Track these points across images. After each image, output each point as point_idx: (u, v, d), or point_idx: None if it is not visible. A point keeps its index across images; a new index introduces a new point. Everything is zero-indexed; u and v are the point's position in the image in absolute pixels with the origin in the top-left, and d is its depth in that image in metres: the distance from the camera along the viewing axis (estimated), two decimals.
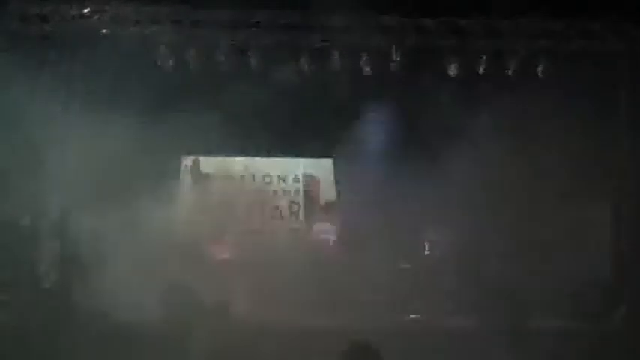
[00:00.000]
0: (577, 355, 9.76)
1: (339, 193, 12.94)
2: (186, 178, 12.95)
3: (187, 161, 13.05)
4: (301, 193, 13.19)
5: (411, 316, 11.26)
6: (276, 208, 13.11)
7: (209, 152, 12.95)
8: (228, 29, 11.96)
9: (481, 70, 12.21)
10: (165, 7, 11.75)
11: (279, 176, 13.25)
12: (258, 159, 13.09)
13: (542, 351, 9.73)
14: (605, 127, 11.92)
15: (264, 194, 13.04)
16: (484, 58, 12.14)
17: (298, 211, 13.11)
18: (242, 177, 13.09)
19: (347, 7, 11.48)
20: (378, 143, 12.34)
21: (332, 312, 10.94)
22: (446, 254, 11.98)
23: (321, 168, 13.24)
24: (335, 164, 13.07)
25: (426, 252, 12.23)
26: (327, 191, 13.13)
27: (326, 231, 12.41)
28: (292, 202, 13.14)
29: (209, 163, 13.09)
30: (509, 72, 12.18)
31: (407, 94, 12.15)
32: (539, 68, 12.16)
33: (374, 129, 12.33)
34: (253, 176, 13.15)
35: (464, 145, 11.64)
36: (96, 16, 11.71)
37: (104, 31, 11.88)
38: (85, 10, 11.69)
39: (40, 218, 11.69)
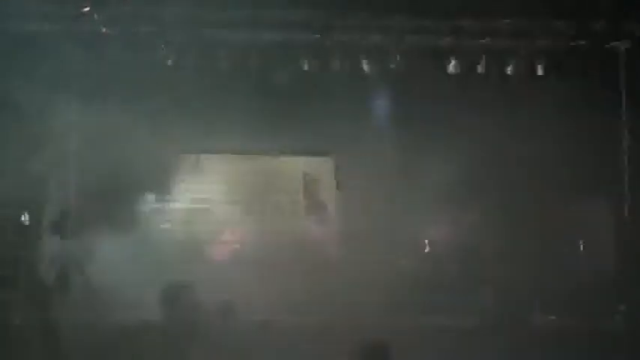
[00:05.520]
0: (577, 354, 9.77)
1: (339, 193, 12.94)
2: (186, 177, 12.94)
3: (188, 160, 13.04)
4: (301, 192, 13.18)
5: (411, 315, 11.27)
6: (277, 206, 13.10)
7: (209, 151, 12.95)
8: (228, 29, 11.96)
9: (481, 70, 12.21)
10: (165, 6, 11.74)
11: (279, 175, 13.24)
12: (258, 158, 13.08)
13: (542, 350, 9.75)
14: (606, 126, 11.93)
15: (264, 193, 13.03)
16: (484, 58, 12.15)
17: (298, 210, 13.10)
18: (242, 176, 13.09)
19: (347, 7, 11.52)
20: (378, 142, 12.34)
21: (331, 310, 10.95)
22: (446, 253, 12.00)
23: (321, 167, 13.23)
24: (335, 164, 13.07)
25: (426, 250, 12.24)
26: (327, 190, 13.13)
27: (326, 230, 12.42)
28: (292, 200, 13.13)
29: (209, 162, 13.09)
30: (509, 72, 12.19)
31: (407, 94, 12.15)
32: (539, 68, 12.17)
33: (374, 128, 12.33)
34: (253, 175, 13.14)
35: (464, 144, 11.65)
36: (95, 16, 11.69)
37: (104, 30, 11.86)
38: (85, 10, 11.67)
39: (39, 217, 11.69)
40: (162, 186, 12.23)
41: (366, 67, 12.22)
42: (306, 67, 12.19)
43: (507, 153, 11.87)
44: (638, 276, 11.45)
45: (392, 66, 12.21)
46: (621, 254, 11.92)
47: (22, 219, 11.62)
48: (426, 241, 12.28)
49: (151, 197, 12.06)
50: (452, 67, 12.25)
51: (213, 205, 12.62)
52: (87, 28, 11.68)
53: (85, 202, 11.68)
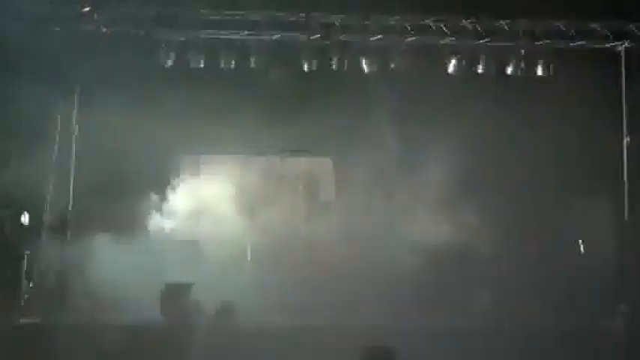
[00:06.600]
0: (577, 355, 9.76)
1: (339, 193, 12.93)
2: (186, 177, 12.93)
3: (187, 160, 13.04)
4: (301, 192, 13.15)
5: (412, 315, 11.26)
6: (277, 207, 13.07)
7: (209, 151, 12.95)
8: (229, 29, 11.97)
9: (481, 70, 12.21)
10: (165, 6, 11.75)
11: (279, 175, 13.22)
12: (258, 158, 13.07)
13: (542, 351, 9.74)
14: (606, 127, 11.94)
15: (264, 193, 13.01)
16: (484, 58, 12.15)
17: (298, 210, 13.08)
18: (242, 176, 13.07)
19: (347, 7, 11.52)
20: (378, 142, 12.33)
21: (331, 311, 10.94)
22: (445, 253, 11.98)
23: (321, 168, 13.22)
24: (335, 164, 13.06)
25: (426, 250, 12.22)
26: (327, 191, 13.12)
27: (326, 230, 12.40)
28: (292, 201, 13.10)
29: (209, 162, 13.08)
30: (509, 72, 12.19)
31: (407, 94, 12.14)
32: (539, 68, 12.17)
33: (374, 128, 12.32)
34: (253, 175, 13.11)
35: (464, 144, 11.65)
36: (95, 16, 11.70)
37: (104, 30, 11.87)
38: (85, 10, 11.67)
39: (39, 217, 11.69)
40: (162, 186, 12.23)
41: (366, 67, 12.23)
42: (306, 67, 12.19)
43: (507, 153, 11.86)
44: (638, 276, 11.45)
45: (392, 66, 12.22)
46: (621, 254, 11.92)
47: (22, 219, 11.60)
48: (426, 241, 12.25)
49: (150, 197, 12.05)
50: (452, 67, 12.25)
51: (213, 205, 12.60)
52: (87, 28, 11.69)
53: (85, 202, 11.67)
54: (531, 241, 11.72)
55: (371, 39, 12.16)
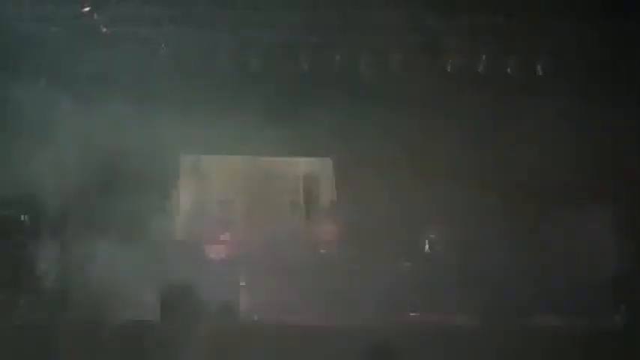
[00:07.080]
0: (577, 354, 9.78)
1: (339, 193, 12.94)
2: (185, 177, 12.94)
3: (187, 160, 13.05)
4: (301, 192, 13.17)
5: (411, 315, 11.28)
6: (276, 207, 13.09)
7: (209, 151, 12.95)
8: (229, 29, 11.97)
9: (481, 70, 12.22)
10: (165, 6, 11.75)
11: (278, 175, 13.24)
12: (258, 158, 13.08)
13: (542, 351, 9.76)
14: (606, 126, 11.94)
15: (263, 193, 13.02)
16: (484, 58, 12.16)
17: (298, 210, 13.09)
18: (242, 176, 13.09)
19: (347, 7, 11.52)
20: (378, 142, 12.34)
21: (331, 311, 10.96)
22: (446, 253, 12.00)
23: (321, 168, 13.23)
24: (335, 164, 13.06)
25: (426, 250, 12.24)
26: (327, 191, 13.12)
27: (326, 231, 12.41)
28: (292, 201, 13.11)
29: (209, 162, 13.09)
30: (509, 72, 12.19)
31: (406, 94, 12.15)
32: (540, 68, 12.17)
33: (374, 128, 12.33)
34: (253, 175, 13.13)
35: (463, 144, 11.66)
36: (95, 16, 11.70)
37: (104, 30, 11.87)
38: (85, 10, 11.68)
39: (39, 217, 11.69)
40: (162, 186, 12.24)
41: (365, 67, 12.22)
42: (306, 67, 12.19)
43: (507, 152, 11.87)
44: (638, 276, 11.45)
45: (392, 66, 12.22)
46: (621, 254, 11.91)
47: (22, 219, 11.62)
48: (426, 240, 12.27)
49: (150, 197, 12.05)
50: (452, 66, 12.25)
51: (212, 205, 12.62)
52: (87, 28, 11.69)
53: (84, 202, 11.68)
54: (531, 240, 11.73)
55: (371, 39, 12.15)
